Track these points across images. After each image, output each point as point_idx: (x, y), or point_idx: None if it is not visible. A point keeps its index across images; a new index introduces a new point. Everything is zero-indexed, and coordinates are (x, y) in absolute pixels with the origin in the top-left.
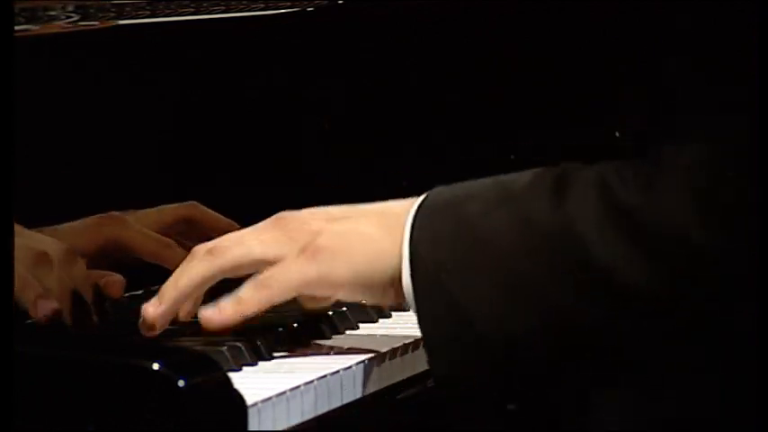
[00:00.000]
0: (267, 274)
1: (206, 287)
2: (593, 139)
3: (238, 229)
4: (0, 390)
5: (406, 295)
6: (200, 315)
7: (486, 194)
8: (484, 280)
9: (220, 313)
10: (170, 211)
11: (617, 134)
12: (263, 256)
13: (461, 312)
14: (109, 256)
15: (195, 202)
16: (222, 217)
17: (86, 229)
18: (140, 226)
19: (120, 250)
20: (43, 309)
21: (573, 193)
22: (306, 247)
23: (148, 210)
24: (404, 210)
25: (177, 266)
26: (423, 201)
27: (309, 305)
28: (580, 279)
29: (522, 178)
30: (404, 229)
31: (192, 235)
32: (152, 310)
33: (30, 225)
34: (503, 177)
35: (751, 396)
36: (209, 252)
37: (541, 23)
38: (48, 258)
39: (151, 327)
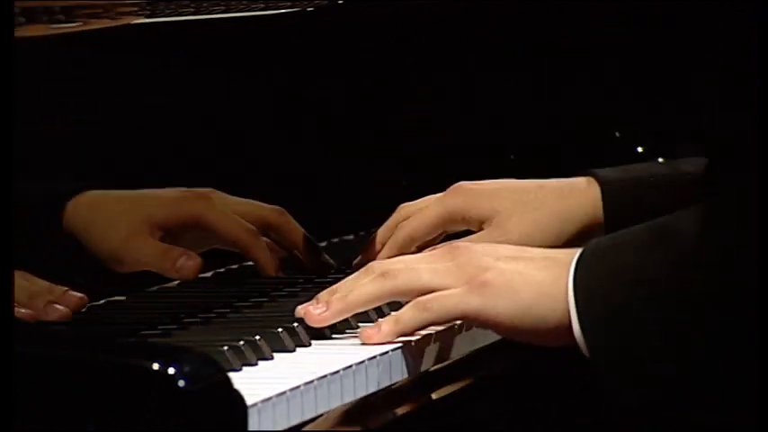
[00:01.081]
0: (429, 297)
1: (372, 306)
2: (593, 139)
3: (316, 243)
4: (0, 390)
5: (578, 340)
6: (360, 333)
7: (642, 238)
8: (649, 320)
9: (380, 332)
10: (257, 208)
11: (617, 134)
12: (431, 284)
13: (634, 353)
14: (188, 234)
15: (283, 209)
16: (302, 231)
17: (170, 202)
18: (226, 208)
19: (202, 229)
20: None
21: (722, 218)
22: (471, 280)
23: (237, 198)
24: (568, 257)
25: (255, 255)
26: (584, 250)
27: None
28: (739, 302)
29: (672, 217)
30: (568, 276)
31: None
32: (317, 316)
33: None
34: (655, 221)
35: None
36: (382, 274)
37: (541, 23)
38: None
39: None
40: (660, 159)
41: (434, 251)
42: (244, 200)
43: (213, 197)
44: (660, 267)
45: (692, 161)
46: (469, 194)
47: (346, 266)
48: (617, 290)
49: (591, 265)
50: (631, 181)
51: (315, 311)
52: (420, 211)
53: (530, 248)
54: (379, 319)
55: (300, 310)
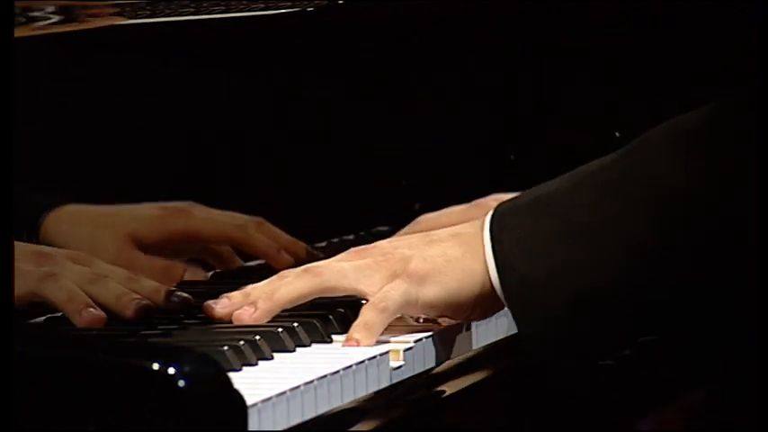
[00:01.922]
0: (381, 296)
1: (299, 303)
2: (593, 138)
3: (302, 247)
4: (0, 390)
5: (499, 295)
6: (342, 347)
7: (555, 181)
8: (562, 243)
9: (359, 344)
10: (236, 219)
11: (617, 134)
12: (356, 283)
13: (549, 281)
14: (170, 248)
15: (261, 219)
16: (286, 235)
17: (152, 219)
18: (206, 212)
19: (189, 240)
20: (89, 318)
21: (638, 143)
22: (398, 273)
23: (216, 210)
24: (475, 228)
25: (254, 245)
26: (492, 214)
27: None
28: (654, 205)
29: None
30: (483, 242)
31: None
32: (246, 317)
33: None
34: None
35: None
36: (306, 271)
37: (541, 23)
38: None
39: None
40: None
41: (343, 254)
42: (223, 212)
43: (192, 210)
44: (578, 195)
45: None
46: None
47: None
48: (530, 220)
49: (503, 223)
50: None
51: (245, 314)
52: (439, 220)
53: (433, 232)
54: (352, 333)
55: (220, 311)
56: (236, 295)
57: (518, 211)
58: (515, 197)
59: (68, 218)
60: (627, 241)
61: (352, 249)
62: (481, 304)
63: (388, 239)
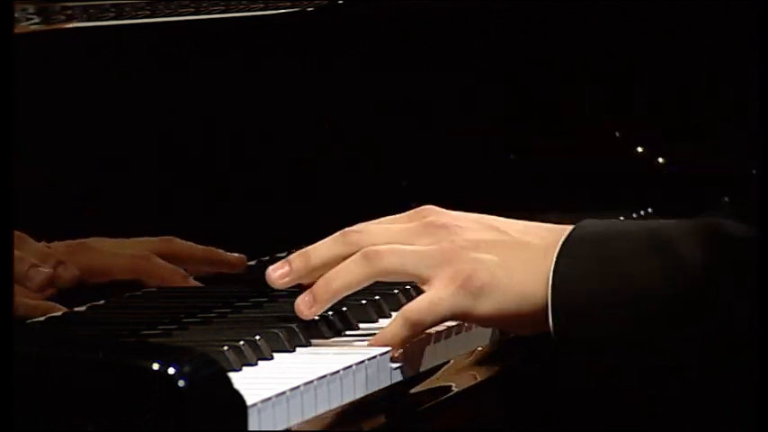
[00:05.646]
0: (420, 308)
1: (357, 289)
2: (593, 139)
3: (215, 256)
4: (0, 390)
5: (553, 334)
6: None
7: (636, 235)
8: (627, 317)
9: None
10: (148, 244)
11: (617, 134)
12: (416, 271)
13: (601, 349)
14: (87, 282)
15: (172, 237)
16: (198, 246)
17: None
18: (110, 247)
19: (97, 276)
20: (37, 276)
21: (722, 244)
22: (456, 277)
23: (125, 240)
24: (549, 246)
25: (156, 279)
26: (568, 235)
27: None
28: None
29: (672, 226)
30: (549, 268)
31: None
32: (306, 311)
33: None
34: (650, 223)
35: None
36: (365, 257)
37: (541, 23)
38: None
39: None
40: (660, 159)
41: (411, 225)
42: (124, 241)
43: (94, 244)
44: (652, 275)
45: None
46: None
47: None
48: (600, 286)
49: (572, 258)
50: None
51: (303, 306)
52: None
53: (509, 226)
54: (377, 337)
55: (296, 305)
56: (295, 262)
57: (584, 246)
58: (592, 227)
59: None
60: (651, 297)
61: (424, 214)
62: (532, 324)
63: (461, 222)
